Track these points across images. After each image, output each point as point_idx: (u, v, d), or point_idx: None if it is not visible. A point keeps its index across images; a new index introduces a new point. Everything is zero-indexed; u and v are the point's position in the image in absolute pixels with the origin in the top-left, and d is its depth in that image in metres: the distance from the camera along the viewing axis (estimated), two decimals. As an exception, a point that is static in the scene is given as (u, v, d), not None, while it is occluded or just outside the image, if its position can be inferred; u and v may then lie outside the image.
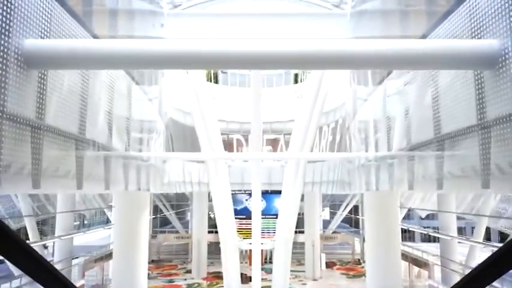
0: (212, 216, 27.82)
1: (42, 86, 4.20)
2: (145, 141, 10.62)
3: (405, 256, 20.50)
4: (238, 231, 22.22)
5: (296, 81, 28.73)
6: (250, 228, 19.40)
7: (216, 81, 28.87)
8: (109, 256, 20.02)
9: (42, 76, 4.21)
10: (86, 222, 40.41)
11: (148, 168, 11.47)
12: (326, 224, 36.14)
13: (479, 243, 19.06)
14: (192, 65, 4.11)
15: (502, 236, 35.97)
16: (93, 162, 6.04)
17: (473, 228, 30.86)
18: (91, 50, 3.94)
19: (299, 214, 23.25)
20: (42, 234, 28.42)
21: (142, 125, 10.34)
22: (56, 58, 3.88)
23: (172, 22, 13.36)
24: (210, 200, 24.71)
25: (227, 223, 19.49)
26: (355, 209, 34.27)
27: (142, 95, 10.41)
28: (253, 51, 4.01)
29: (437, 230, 22.42)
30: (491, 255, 1.49)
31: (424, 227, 28.36)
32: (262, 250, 21.36)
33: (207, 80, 26.68)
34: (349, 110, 15.61)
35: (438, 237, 22.88)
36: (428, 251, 22.50)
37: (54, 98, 4.53)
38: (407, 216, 36.96)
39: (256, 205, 18.60)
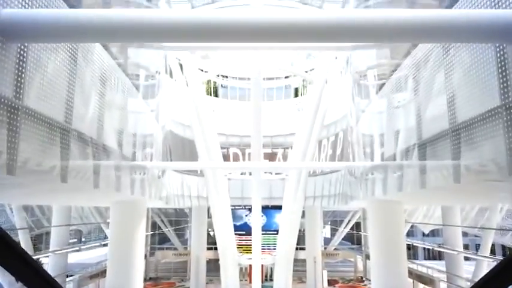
0: (212, 233, 27.25)
1: (21, 62, 3.82)
2: (140, 143, 10.22)
3: (410, 272, 19.88)
4: (238, 247, 21.68)
5: (296, 95, 28.54)
6: (250, 245, 18.87)
7: (216, 95, 28.67)
8: (105, 273, 19.38)
9: (22, 52, 3.84)
10: (83, 239, 39.75)
11: (144, 174, 11.06)
12: (327, 241, 35.52)
13: (486, 257, 18.54)
14: (183, 38, 3.75)
15: (510, 252, 35.39)
16: (80, 156, 5.62)
17: (477, 245, 30.27)
18: (75, 21, 3.58)
19: (300, 231, 22.75)
20: (37, 251, 27.77)
21: (137, 125, 9.93)
22: (37, 30, 3.52)
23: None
24: (209, 217, 24.23)
25: (227, 239, 18.99)
26: (357, 226, 33.70)
27: (139, 96, 10.08)
28: (253, 22, 3.69)
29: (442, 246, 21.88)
30: (491, 270, 1.48)
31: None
32: (262, 267, 20.78)
33: (207, 94, 26.47)
34: (351, 116, 15.23)
35: (443, 255, 22.26)
36: (434, 268, 21.94)
37: (37, 79, 4.15)
38: (410, 233, 36.33)
39: (256, 220, 18.12)
